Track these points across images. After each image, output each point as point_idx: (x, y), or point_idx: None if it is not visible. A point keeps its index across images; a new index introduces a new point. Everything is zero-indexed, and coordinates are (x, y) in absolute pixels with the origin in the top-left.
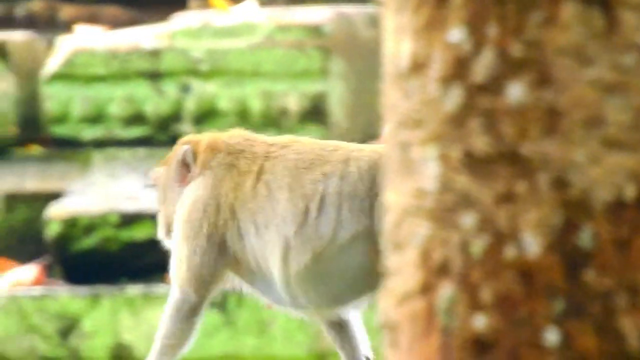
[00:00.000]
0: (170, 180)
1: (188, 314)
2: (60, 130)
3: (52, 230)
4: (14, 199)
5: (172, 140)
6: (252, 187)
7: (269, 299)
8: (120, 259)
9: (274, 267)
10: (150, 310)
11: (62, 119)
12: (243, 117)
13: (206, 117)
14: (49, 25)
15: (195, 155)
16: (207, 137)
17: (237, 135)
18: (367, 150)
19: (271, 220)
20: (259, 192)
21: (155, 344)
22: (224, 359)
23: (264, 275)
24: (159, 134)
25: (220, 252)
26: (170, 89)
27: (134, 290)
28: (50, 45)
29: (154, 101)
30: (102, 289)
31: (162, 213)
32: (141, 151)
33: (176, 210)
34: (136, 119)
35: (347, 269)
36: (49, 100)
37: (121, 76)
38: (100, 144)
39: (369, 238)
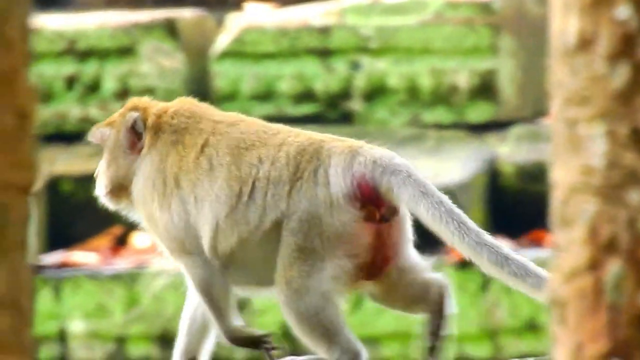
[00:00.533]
0: (119, 145)
1: (209, 275)
2: (230, 108)
3: None
4: None
5: (342, 118)
6: (195, 158)
7: None
8: None
9: (206, 243)
10: None
11: (231, 96)
12: (412, 94)
13: (375, 94)
14: (219, 3)
15: (144, 123)
16: (154, 107)
17: (183, 110)
18: (303, 135)
19: (207, 196)
20: (201, 164)
21: (210, 317)
22: (392, 336)
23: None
24: (329, 111)
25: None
26: (340, 66)
27: None
28: (220, 23)
29: (323, 78)
30: None
31: (106, 174)
32: (311, 128)
33: (133, 183)
34: (306, 96)
35: (270, 254)
36: (218, 78)
37: (291, 53)
38: (271, 121)
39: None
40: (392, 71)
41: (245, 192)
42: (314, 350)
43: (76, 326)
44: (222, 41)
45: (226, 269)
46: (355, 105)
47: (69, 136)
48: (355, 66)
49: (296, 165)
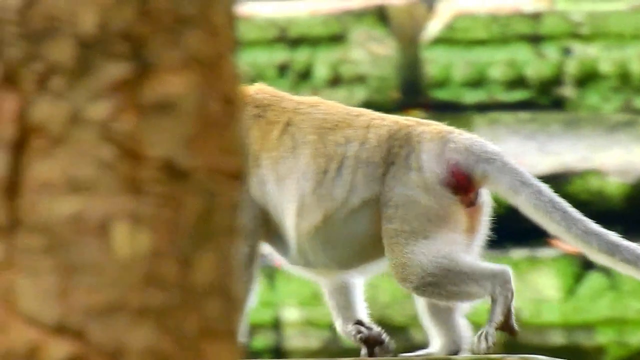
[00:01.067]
0: None
1: (245, 266)
2: (441, 95)
3: None
4: None
5: (553, 104)
6: (278, 136)
7: (284, 257)
8: (505, 223)
9: (289, 220)
10: (534, 274)
11: (443, 83)
12: (624, 80)
13: (587, 80)
14: None
15: None
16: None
17: (266, 89)
18: (389, 119)
19: (291, 173)
20: (284, 142)
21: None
22: (608, 321)
23: (280, 230)
24: (540, 97)
25: (250, 201)
26: (551, 52)
27: (518, 254)
28: (430, 9)
29: (534, 64)
30: (486, 254)
31: None
32: (522, 114)
33: None
34: (517, 82)
35: (354, 234)
36: (429, 64)
37: (502, 40)
38: (482, 107)
39: (377, 206)
40: (603, 57)
41: (332, 168)
42: (466, 303)
43: (291, 314)
44: (433, 28)
45: (304, 253)
46: (567, 91)
47: None
48: (566, 52)
49: (388, 149)
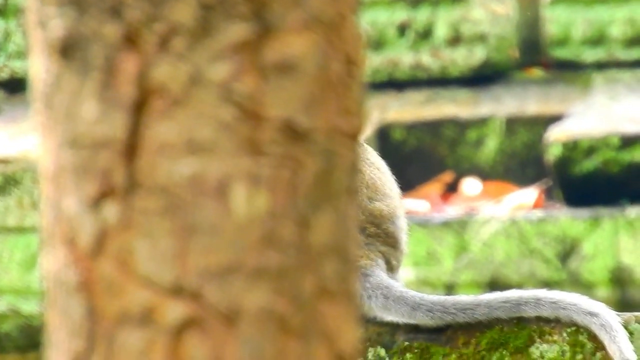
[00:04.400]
0: None
1: None
2: (561, 53)
3: (552, 153)
4: (515, 123)
5: None
6: None
7: None
8: (621, 180)
9: None
10: None
11: (563, 41)
12: None
13: None
14: None
15: None
16: None
17: None
18: None
19: None
20: None
21: None
22: None
23: None
24: None
25: None
26: None
27: (634, 212)
28: None
29: None
30: (602, 211)
31: None
32: None
33: None
34: (637, 40)
35: None
36: (550, 23)
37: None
38: (601, 66)
39: None
40: None
41: None
42: None
43: (407, 273)
44: None
45: None
46: None
47: (400, 84)
48: None
49: None
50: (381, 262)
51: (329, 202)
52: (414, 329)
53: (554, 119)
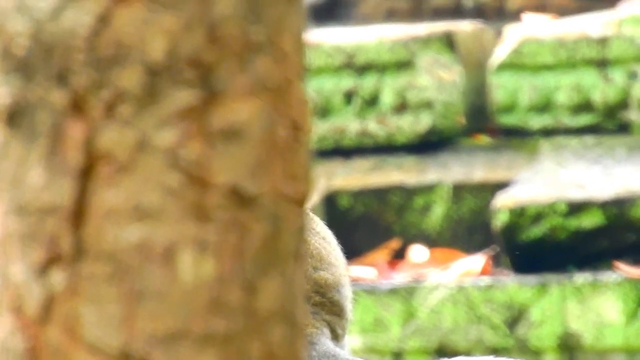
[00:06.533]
0: None
1: None
2: (507, 120)
3: (499, 220)
4: (462, 189)
5: (620, 128)
6: None
7: None
8: (568, 247)
9: None
10: (598, 298)
11: (509, 108)
12: None
13: None
14: (497, 14)
15: None
16: None
17: None
18: None
19: None
20: None
21: None
22: None
23: None
24: (606, 121)
25: None
26: (618, 76)
27: (581, 278)
28: (497, 34)
29: (601, 89)
30: (550, 278)
31: None
32: (588, 139)
33: None
34: (583, 107)
35: None
36: (496, 89)
37: (568, 64)
38: (548, 132)
39: None
40: None
41: None
42: None
43: (354, 340)
44: (500, 53)
45: None
46: (633, 115)
47: (347, 151)
48: (633, 76)
49: None
50: (326, 330)
51: (276, 267)
52: None
53: (501, 185)
